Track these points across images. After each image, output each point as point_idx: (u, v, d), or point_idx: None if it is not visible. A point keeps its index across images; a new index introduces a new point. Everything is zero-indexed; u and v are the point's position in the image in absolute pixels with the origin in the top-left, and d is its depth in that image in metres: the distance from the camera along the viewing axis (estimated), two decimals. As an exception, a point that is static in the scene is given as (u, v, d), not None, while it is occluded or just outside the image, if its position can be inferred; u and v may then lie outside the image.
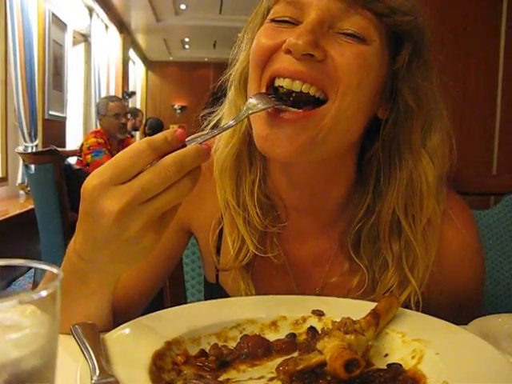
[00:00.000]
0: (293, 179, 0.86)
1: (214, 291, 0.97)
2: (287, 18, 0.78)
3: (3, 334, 0.32)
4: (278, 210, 0.91)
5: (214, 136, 0.67)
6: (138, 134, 8.26)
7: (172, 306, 1.25)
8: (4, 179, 5.22)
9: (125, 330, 0.68)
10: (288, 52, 0.74)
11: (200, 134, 0.67)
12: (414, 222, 0.83)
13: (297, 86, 0.74)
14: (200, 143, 0.62)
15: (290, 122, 0.74)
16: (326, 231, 0.91)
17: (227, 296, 0.93)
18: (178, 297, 1.27)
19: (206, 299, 1.10)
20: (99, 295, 0.74)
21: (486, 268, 1.63)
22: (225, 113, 0.92)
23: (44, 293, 0.33)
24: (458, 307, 0.92)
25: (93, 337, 0.63)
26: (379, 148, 0.85)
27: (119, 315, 0.84)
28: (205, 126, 0.94)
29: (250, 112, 0.71)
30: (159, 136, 0.60)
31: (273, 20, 0.80)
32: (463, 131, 2.11)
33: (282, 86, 0.75)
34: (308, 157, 0.77)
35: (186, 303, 1.29)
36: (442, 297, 0.91)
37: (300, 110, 0.73)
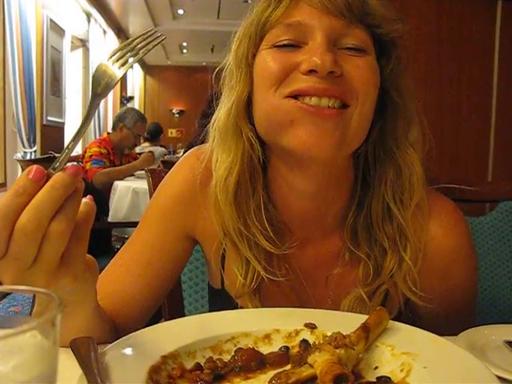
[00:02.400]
0: (305, 192, 0.88)
1: (220, 297, 1.00)
2: (291, 42, 0.81)
3: (4, 359, 0.34)
4: (280, 228, 0.92)
5: (69, 152, 0.62)
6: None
7: (170, 314, 1.29)
8: (3, 185, 5.24)
9: (122, 344, 0.70)
10: (311, 72, 0.77)
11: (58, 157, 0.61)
12: (402, 205, 0.88)
13: (325, 102, 0.78)
14: (62, 169, 0.57)
15: (330, 118, 0.77)
16: (330, 234, 0.94)
17: (233, 301, 0.95)
18: (176, 307, 1.29)
19: (210, 305, 1.13)
20: (77, 314, 0.73)
21: (482, 275, 1.65)
22: (217, 144, 0.92)
23: (45, 318, 0.35)
24: (451, 317, 0.95)
25: (91, 351, 0.65)
26: (370, 146, 0.89)
27: (129, 322, 0.90)
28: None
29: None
30: (14, 189, 0.56)
31: (275, 46, 0.82)
32: (459, 139, 2.13)
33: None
34: (340, 153, 0.81)
35: (183, 312, 1.31)
36: (435, 306, 0.92)
37: (331, 103, 0.78)
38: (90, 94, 0.67)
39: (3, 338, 0.33)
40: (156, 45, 0.70)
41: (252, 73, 0.85)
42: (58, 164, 0.59)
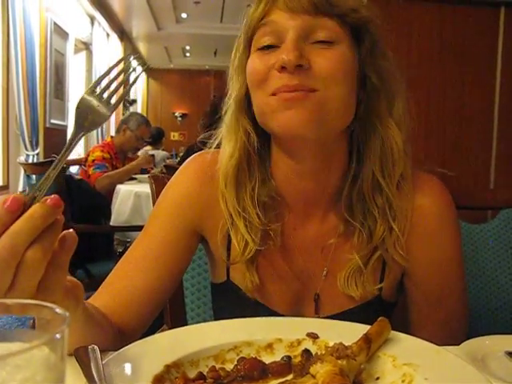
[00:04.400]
0: (304, 169, 0.97)
1: (225, 291, 1.06)
2: (270, 43, 0.92)
3: (12, 373, 0.34)
4: (281, 205, 1.01)
5: (49, 181, 0.61)
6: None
7: (172, 318, 1.30)
8: (5, 187, 5.25)
9: (126, 353, 0.70)
10: (282, 68, 0.87)
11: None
12: (389, 178, 0.97)
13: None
14: (44, 199, 0.57)
15: (297, 100, 0.87)
16: (327, 210, 1.02)
17: (238, 291, 1.02)
18: (179, 312, 1.29)
19: (214, 301, 1.15)
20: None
21: (484, 282, 1.65)
22: (224, 136, 1.03)
23: (54, 333, 0.36)
24: (437, 298, 1.03)
25: (94, 360, 0.66)
26: (357, 125, 0.97)
27: (139, 318, 0.97)
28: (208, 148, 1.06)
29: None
30: None
31: (258, 49, 0.93)
32: (461, 146, 2.13)
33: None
34: (317, 131, 0.89)
35: (186, 318, 1.32)
36: (421, 285, 1.02)
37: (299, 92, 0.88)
38: (74, 124, 0.65)
39: (15, 354, 0.34)
40: (139, 74, 0.69)
41: (245, 73, 0.96)
42: (38, 192, 0.58)
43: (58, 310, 0.39)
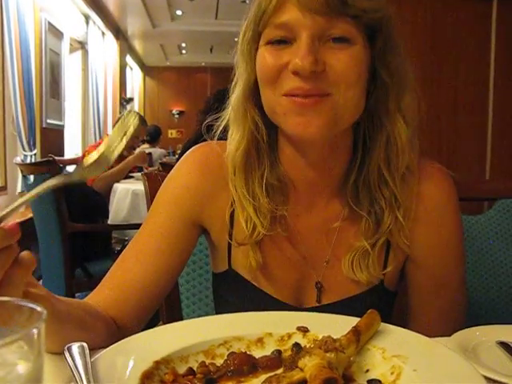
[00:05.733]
0: (309, 160, 0.99)
1: (226, 277, 1.07)
2: (282, 38, 0.90)
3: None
4: (288, 190, 1.03)
5: (15, 209, 0.63)
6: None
7: (167, 313, 1.30)
8: (3, 188, 5.25)
9: (115, 349, 0.70)
10: (296, 73, 0.86)
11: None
12: (395, 170, 0.98)
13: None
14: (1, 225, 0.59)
15: (311, 106, 0.87)
16: (332, 197, 1.04)
17: (240, 279, 1.03)
18: (174, 311, 1.30)
19: (214, 291, 1.15)
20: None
21: (480, 273, 1.66)
22: (231, 121, 1.03)
23: (30, 329, 0.36)
24: (438, 284, 1.05)
25: (83, 358, 0.66)
26: (365, 117, 0.98)
27: (140, 311, 0.98)
28: (213, 133, 1.06)
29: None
30: None
31: (268, 42, 0.92)
32: (457, 138, 2.13)
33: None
34: (329, 134, 0.91)
35: (181, 314, 1.32)
36: (423, 270, 1.04)
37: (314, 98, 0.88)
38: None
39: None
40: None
41: (255, 65, 0.95)
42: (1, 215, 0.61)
43: (35, 307, 0.38)
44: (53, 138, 6.46)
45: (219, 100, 3.72)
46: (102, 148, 0.68)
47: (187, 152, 1.09)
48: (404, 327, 0.76)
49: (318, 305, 1.03)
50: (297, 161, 1.00)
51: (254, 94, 0.98)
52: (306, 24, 0.86)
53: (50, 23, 6.30)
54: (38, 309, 0.38)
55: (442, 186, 1.05)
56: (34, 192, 0.64)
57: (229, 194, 1.03)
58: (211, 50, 13.71)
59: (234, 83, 1.02)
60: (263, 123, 0.99)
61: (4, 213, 0.60)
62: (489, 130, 2.15)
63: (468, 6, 2.14)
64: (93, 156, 0.68)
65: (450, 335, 0.83)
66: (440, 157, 2.12)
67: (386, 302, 1.06)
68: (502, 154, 2.19)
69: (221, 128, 1.05)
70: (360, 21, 0.89)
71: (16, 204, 0.63)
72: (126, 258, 1.01)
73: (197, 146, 1.09)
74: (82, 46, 8.65)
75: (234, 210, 1.03)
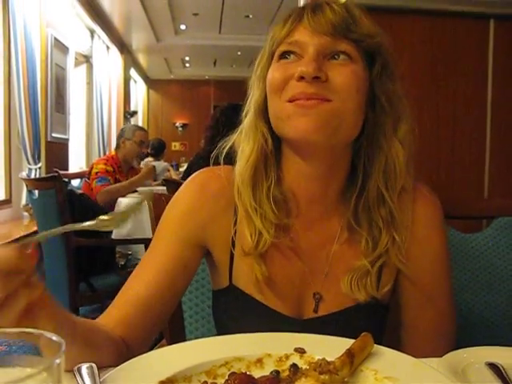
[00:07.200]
0: (311, 172, 1.05)
1: (227, 294, 1.11)
2: (290, 51, 1.02)
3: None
4: (291, 205, 1.09)
5: (38, 238, 0.71)
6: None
7: (171, 335, 1.33)
8: (8, 201, 5.30)
9: (122, 369, 0.74)
10: (301, 78, 0.96)
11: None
12: (392, 190, 1.06)
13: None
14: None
15: (312, 107, 0.95)
16: (331, 214, 1.10)
17: (240, 294, 1.08)
18: (177, 329, 1.33)
19: (214, 308, 1.19)
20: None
21: (477, 290, 1.68)
22: (242, 138, 1.11)
23: (52, 360, 0.40)
24: (429, 297, 1.11)
25: (92, 378, 0.70)
26: (364, 140, 1.06)
27: (144, 330, 1.02)
28: (221, 148, 1.13)
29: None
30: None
31: (280, 58, 1.03)
32: (455, 157, 2.16)
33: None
34: (328, 139, 0.97)
35: (185, 334, 1.35)
36: (415, 284, 1.10)
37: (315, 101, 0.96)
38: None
39: (17, 381, 0.38)
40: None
41: (266, 82, 1.05)
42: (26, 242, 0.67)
43: (54, 338, 0.43)
44: (57, 152, 6.52)
45: (225, 115, 3.77)
46: (116, 213, 0.76)
47: (190, 177, 1.15)
48: (398, 340, 0.80)
49: (315, 315, 1.07)
50: (299, 174, 1.06)
51: (264, 109, 1.06)
52: (313, 42, 0.98)
53: (56, 39, 6.38)
54: (57, 339, 0.42)
55: (434, 205, 1.13)
56: (57, 231, 0.72)
57: (231, 212, 1.09)
58: (215, 64, 13.82)
59: (247, 106, 1.12)
60: (271, 136, 1.06)
61: (29, 240, 0.67)
62: (487, 148, 2.19)
63: (466, 24, 2.17)
64: (111, 214, 0.77)
65: (442, 349, 0.87)
66: (438, 175, 2.16)
67: (380, 314, 1.11)
68: (500, 172, 2.22)
69: (229, 145, 1.12)
70: (360, 45, 1.00)
71: (40, 235, 0.70)
72: (133, 279, 1.06)
73: (198, 171, 1.15)
74: (86, 59, 8.73)
75: (237, 226, 1.08)
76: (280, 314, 1.06)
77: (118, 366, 0.75)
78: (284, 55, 1.02)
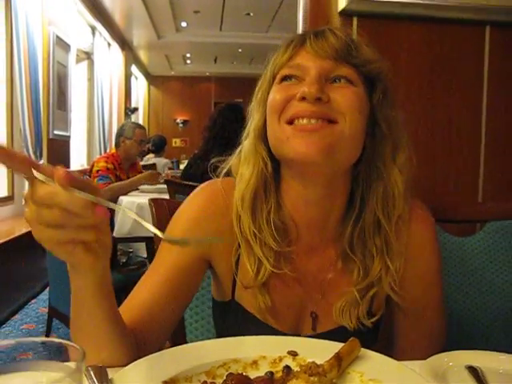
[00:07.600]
0: (310, 198, 1.05)
1: (228, 308, 1.12)
2: (292, 75, 1.02)
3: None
4: (291, 232, 1.09)
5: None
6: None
7: (172, 337, 1.38)
8: (10, 198, 5.36)
9: (129, 370, 0.80)
10: (303, 99, 0.96)
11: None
12: (389, 219, 1.06)
13: (313, 122, 0.97)
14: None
15: (314, 131, 0.95)
16: (329, 241, 1.10)
17: (242, 311, 1.10)
18: (178, 331, 1.38)
19: (215, 318, 1.22)
20: (96, 316, 0.85)
21: (469, 293, 1.72)
22: (241, 162, 1.10)
23: (75, 367, 0.46)
24: (420, 309, 1.13)
25: (102, 379, 0.76)
26: (362, 167, 1.06)
27: (150, 336, 1.01)
28: (217, 173, 1.14)
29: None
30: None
31: (282, 80, 1.04)
32: (450, 161, 2.19)
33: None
34: (330, 161, 0.97)
35: (185, 336, 1.41)
36: (407, 297, 1.10)
37: (319, 122, 0.96)
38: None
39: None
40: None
41: (266, 105, 1.05)
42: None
43: (76, 346, 0.49)
44: (59, 149, 6.58)
45: (223, 115, 3.82)
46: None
47: (197, 188, 1.15)
48: (390, 349, 0.85)
49: (313, 333, 1.10)
50: (298, 198, 1.06)
51: (264, 133, 1.06)
52: (315, 65, 1.00)
53: (57, 36, 6.43)
54: (79, 348, 0.48)
55: (428, 222, 1.14)
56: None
57: (233, 236, 1.07)
58: (215, 61, 13.86)
59: (246, 130, 1.11)
60: (270, 160, 1.06)
61: (99, 199, 0.71)
62: (481, 153, 2.23)
63: (462, 31, 2.21)
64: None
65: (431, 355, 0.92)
66: (434, 179, 2.20)
67: (373, 330, 1.12)
68: (493, 177, 2.26)
69: (224, 171, 1.11)
70: (361, 70, 1.02)
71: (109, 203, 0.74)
72: (136, 288, 1.07)
73: (205, 183, 1.14)
74: (88, 56, 8.78)
75: (239, 254, 1.07)
76: (280, 332, 1.08)
77: (124, 364, 0.81)
78: (286, 78, 1.03)
